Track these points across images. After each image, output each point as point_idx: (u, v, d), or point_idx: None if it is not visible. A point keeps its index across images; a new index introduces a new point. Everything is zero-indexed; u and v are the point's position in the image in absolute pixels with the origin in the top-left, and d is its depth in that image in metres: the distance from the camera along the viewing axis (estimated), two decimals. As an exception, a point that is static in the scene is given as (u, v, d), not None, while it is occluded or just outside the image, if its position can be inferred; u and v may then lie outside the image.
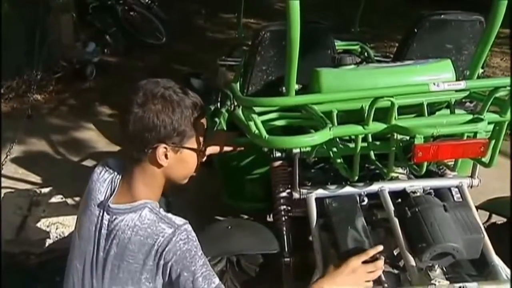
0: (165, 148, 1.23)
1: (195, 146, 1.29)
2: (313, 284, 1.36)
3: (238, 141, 1.89)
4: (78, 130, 3.95)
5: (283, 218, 1.78)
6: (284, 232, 1.75)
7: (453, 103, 1.53)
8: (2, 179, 3.12)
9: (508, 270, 1.50)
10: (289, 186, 1.75)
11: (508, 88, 1.26)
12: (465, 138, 1.34)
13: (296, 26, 1.26)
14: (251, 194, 2.33)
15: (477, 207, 1.83)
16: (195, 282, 1.20)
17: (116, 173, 1.36)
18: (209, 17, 6.97)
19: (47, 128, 3.96)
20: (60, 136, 3.86)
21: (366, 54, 2.77)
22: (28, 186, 2.89)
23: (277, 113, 1.56)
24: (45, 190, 2.35)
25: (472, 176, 1.71)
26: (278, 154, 1.84)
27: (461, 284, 1.37)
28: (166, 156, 1.24)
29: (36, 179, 3.17)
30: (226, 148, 1.86)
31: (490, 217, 1.92)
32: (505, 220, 1.85)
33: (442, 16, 1.76)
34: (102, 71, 5.04)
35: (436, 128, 1.22)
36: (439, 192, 1.72)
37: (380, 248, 1.39)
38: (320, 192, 1.67)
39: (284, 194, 1.79)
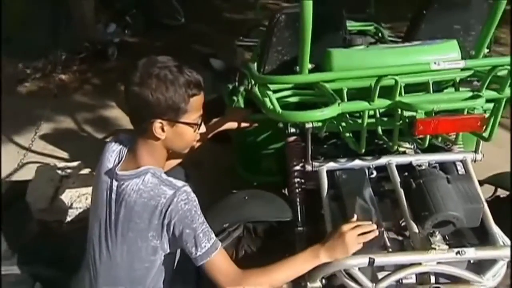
0: (161, 123, 1.35)
1: (190, 120, 1.39)
2: (310, 248, 1.49)
3: (254, 117, 2.01)
4: (102, 107, 4.10)
5: (297, 190, 1.89)
6: (298, 203, 1.85)
7: (457, 81, 1.61)
8: (32, 154, 3.32)
9: (506, 238, 1.60)
10: (303, 160, 1.87)
11: (506, 67, 1.34)
12: (465, 113, 1.43)
13: (309, 9, 1.35)
14: (266, 168, 2.43)
15: (483, 181, 1.93)
16: (196, 237, 1.35)
17: (124, 145, 1.51)
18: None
19: (73, 106, 4.11)
20: (85, 113, 4.02)
21: (380, 34, 2.83)
22: (56, 161, 3.05)
23: (291, 90, 1.66)
24: (75, 164, 2.50)
25: (475, 151, 1.80)
26: (293, 130, 1.94)
27: (459, 249, 1.47)
28: (162, 129, 1.36)
29: (63, 154, 3.35)
30: (243, 124, 1.98)
31: (495, 191, 2.01)
32: (507, 193, 1.94)
33: None
34: (123, 51, 5.17)
35: (436, 103, 1.32)
36: (444, 166, 1.81)
37: (369, 223, 1.52)
38: (331, 165, 1.78)
39: (298, 167, 1.88)
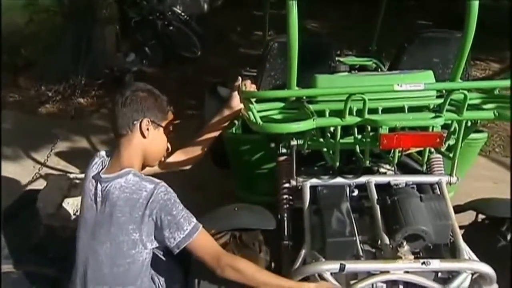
0: (148, 121, 1.61)
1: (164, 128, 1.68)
2: (300, 283, 1.61)
3: (248, 137, 2.16)
4: (115, 130, 4.32)
5: (285, 206, 2.02)
6: (285, 218, 1.99)
7: (431, 107, 1.75)
8: (46, 169, 3.53)
9: (473, 255, 1.70)
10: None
11: (462, 91, 1.49)
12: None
13: (294, 11, 1.50)
14: (262, 188, 2.57)
15: (464, 206, 2.05)
16: (177, 223, 1.52)
17: (106, 156, 1.72)
18: (243, 35, 7.32)
19: (88, 128, 4.34)
20: (98, 135, 4.23)
21: (379, 70, 3.01)
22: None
23: (277, 110, 1.82)
24: (82, 175, 2.67)
25: (451, 174, 1.92)
26: (284, 150, 2.10)
27: (425, 260, 1.58)
28: (147, 129, 1.61)
29: (75, 170, 3.53)
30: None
31: (477, 216, 2.12)
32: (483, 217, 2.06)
33: (429, 34, 2.00)
34: (139, 79, 5.42)
35: (399, 121, 1.47)
36: (421, 188, 1.94)
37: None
38: (314, 181, 1.92)
39: (286, 184, 2.02)
